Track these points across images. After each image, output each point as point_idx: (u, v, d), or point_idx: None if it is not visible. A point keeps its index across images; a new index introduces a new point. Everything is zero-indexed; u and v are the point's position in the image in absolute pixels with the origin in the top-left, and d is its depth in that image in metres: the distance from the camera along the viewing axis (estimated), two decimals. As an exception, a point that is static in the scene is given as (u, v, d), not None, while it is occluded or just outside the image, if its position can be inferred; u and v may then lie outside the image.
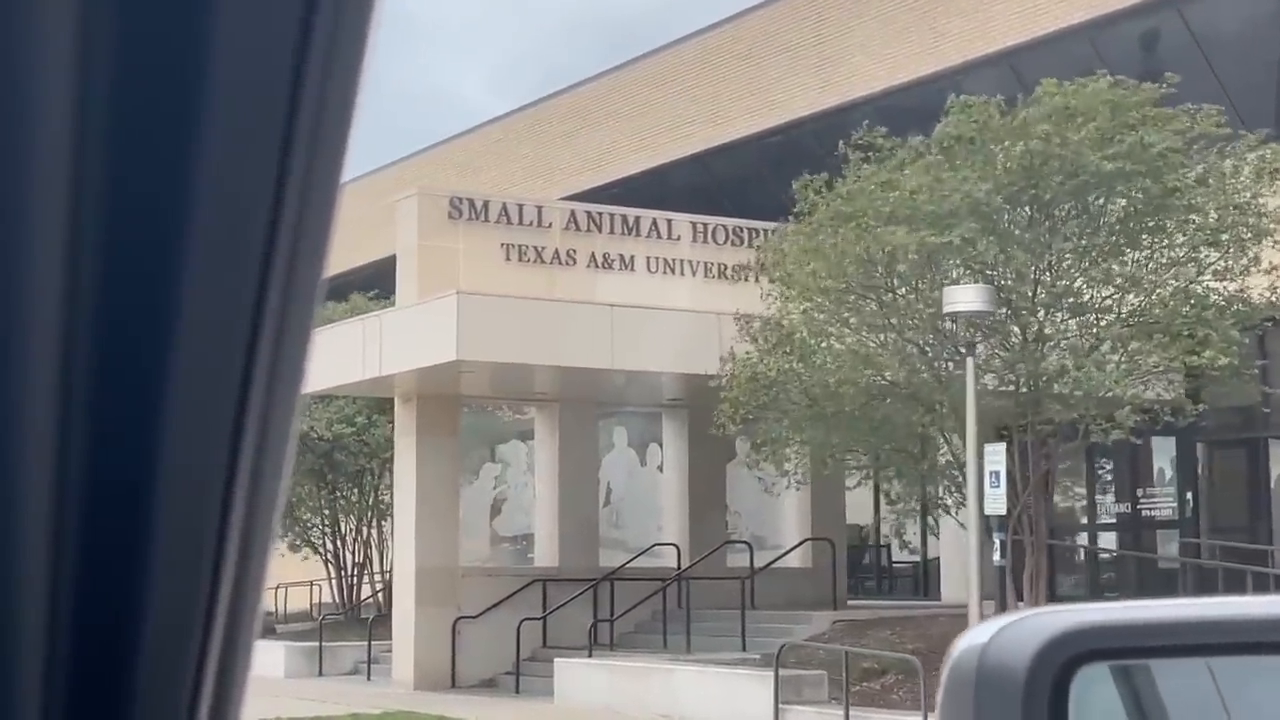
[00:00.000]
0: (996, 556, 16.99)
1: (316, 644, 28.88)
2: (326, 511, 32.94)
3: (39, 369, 0.75)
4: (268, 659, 28.93)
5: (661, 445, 27.97)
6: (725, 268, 26.85)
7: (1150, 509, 27.20)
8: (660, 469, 28.11)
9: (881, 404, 18.64)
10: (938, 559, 29.98)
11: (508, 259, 25.44)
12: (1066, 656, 1.84)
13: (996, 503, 16.84)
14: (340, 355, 24.51)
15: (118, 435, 0.78)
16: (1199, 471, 26.52)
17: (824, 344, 19.02)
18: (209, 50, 0.76)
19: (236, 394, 0.80)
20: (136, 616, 0.80)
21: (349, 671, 28.78)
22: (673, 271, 26.44)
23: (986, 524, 18.62)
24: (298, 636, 32.45)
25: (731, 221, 27.45)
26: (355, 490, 32.52)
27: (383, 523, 33.16)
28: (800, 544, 26.43)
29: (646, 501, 27.87)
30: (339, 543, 33.22)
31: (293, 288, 0.81)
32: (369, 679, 27.17)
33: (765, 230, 27.42)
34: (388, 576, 33.48)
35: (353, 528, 33.10)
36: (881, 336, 18.92)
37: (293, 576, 38.28)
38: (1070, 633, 1.86)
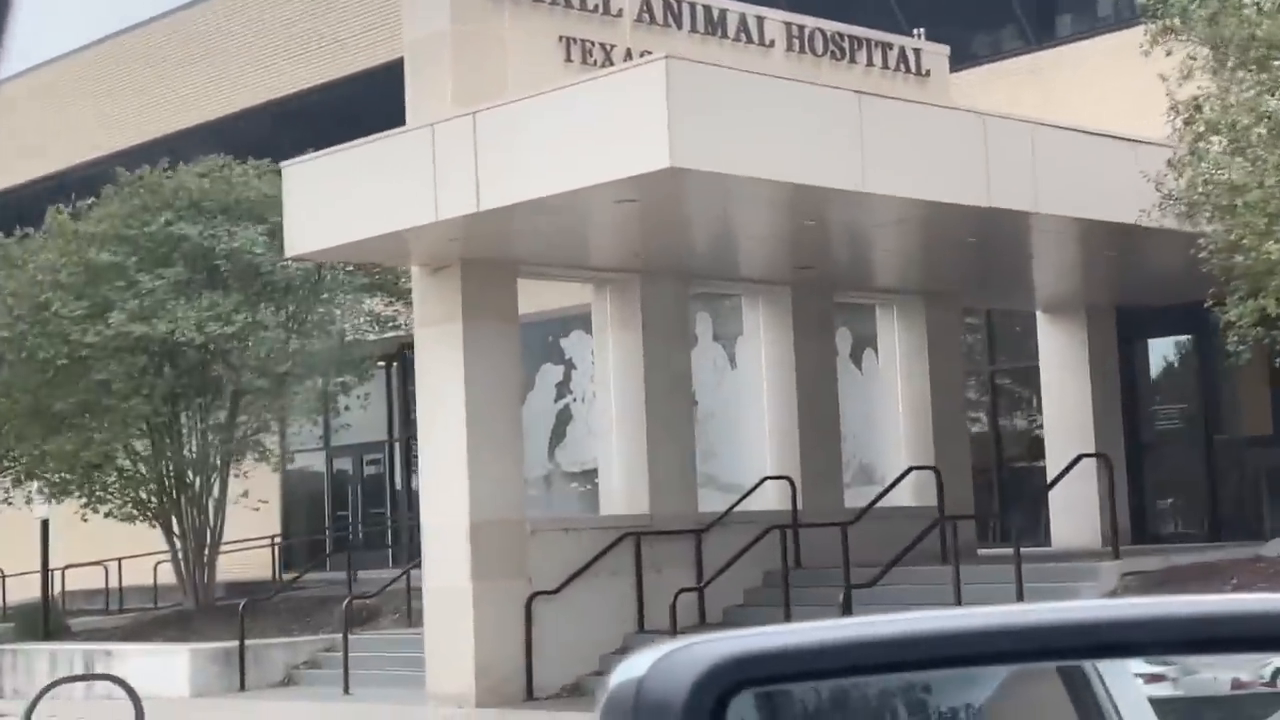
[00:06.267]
0: None
1: (235, 644, 19.63)
2: (169, 455, 23.41)
3: None
4: (164, 670, 19.67)
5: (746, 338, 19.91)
6: (826, 90, 19.00)
7: None
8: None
9: None
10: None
11: (568, 59, 17.10)
12: (723, 687, 1.73)
13: None
14: (381, 186, 15.61)
15: None
16: None
17: None
18: None
19: None
20: None
21: (280, 681, 19.73)
22: (764, 90, 18.43)
23: None
24: (112, 637, 23.26)
25: (831, 25, 19.61)
26: (227, 417, 23.13)
27: (229, 473, 23.90)
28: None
29: (741, 418, 19.76)
30: (183, 501, 23.74)
31: None
32: (347, 691, 18.21)
33: (869, 40, 19.77)
34: (213, 551, 24.19)
35: (209, 477, 23.69)
36: None
37: (79, 554, 28.69)
38: (728, 661, 1.75)
